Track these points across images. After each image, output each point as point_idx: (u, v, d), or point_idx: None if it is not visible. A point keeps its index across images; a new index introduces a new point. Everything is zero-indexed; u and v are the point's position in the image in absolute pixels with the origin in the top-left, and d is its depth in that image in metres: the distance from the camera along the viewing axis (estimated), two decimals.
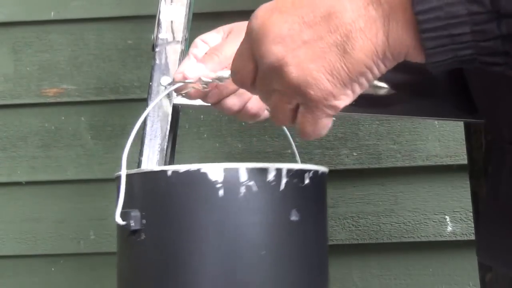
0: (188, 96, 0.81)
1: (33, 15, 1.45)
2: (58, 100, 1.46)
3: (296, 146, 1.47)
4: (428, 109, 1.02)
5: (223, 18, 1.41)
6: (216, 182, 0.67)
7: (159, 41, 0.96)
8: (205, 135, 1.46)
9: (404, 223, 1.47)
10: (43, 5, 1.45)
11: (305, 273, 0.71)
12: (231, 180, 0.67)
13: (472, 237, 1.40)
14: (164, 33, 0.97)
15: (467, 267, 1.45)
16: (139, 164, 0.92)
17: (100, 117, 1.47)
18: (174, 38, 0.96)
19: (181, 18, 0.96)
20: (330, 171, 1.46)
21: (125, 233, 0.72)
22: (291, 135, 0.93)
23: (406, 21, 0.61)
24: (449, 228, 1.46)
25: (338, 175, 1.46)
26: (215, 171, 0.67)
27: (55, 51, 1.46)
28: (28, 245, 1.49)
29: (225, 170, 0.67)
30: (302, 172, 0.70)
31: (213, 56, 0.81)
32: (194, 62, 0.82)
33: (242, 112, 0.81)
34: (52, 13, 1.45)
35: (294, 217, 0.70)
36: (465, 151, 1.15)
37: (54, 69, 1.46)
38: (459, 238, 1.45)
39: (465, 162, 1.18)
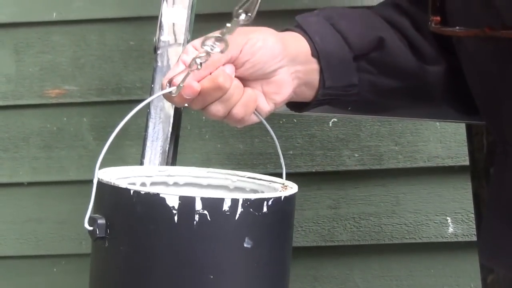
0: (173, 103, 0.81)
1: (35, 16, 1.45)
2: (60, 101, 1.47)
3: (298, 147, 1.48)
4: (429, 111, 1.02)
5: (226, 19, 1.41)
6: (172, 208, 0.71)
7: (161, 43, 0.97)
8: (207, 136, 1.46)
9: (405, 224, 1.47)
10: (45, 6, 1.45)
11: None
12: (186, 208, 0.71)
13: (474, 238, 1.40)
14: (165, 36, 0.97)
15: (468, 269, 1.45)
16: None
17: (102, 118, 1.47)
18: (175, 40, 0.97)
19: (182, 21, 0.97)
20: (332, 172, 1.47)
21: (92, 237, 0.75)
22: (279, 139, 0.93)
23: None
24: (451, 229, 1.46)
25: (340, 176, 1.46)
26: (172, 197, 0.71)
27: (57, 52, 1.46)
28: (29, 246, 1.50)
29: (181, 198, 0.71)
30: (259, 201, 0.73)
31: None
32: (183, 68, 0.82)
33: (227, 117, 0.82)
34: (54, 14, 1.45)
35: (247, 244, 0.73)
36: (466, 152, 1.15)
37: (56, 70, 1.46)
38: (460, 239, 1.45)
39: (467, 163, 1.19)
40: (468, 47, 0.92)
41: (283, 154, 1.45)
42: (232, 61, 0.81)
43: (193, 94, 0.79)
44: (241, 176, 0.86)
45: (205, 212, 0.71)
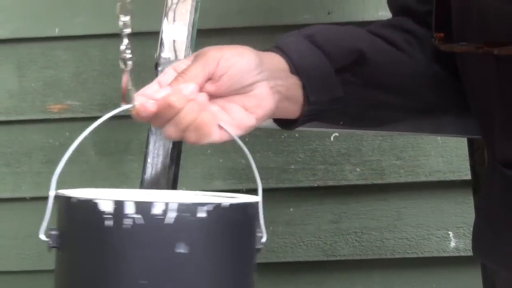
0: (136, 120, 0.81)
1: (37, 31, 1.46)
2: (63, 116, 1.47)
3: (299, 162, 1.48)
4: (431, 126, 1.03)
5: (227, 34, 1.42)
6: (104, 213, 0.71)
7: (162, 60, 0.97)
8: (209, 151, 1.46)
9: (407, 238, 1.47)
10: (48, 21, 1.45)
11: None
12: (119, 212, 0.71)
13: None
14: (166, 52, 0.98)
15: (470, 283, 1.45)
16: (141, 183, 0.92)
17: (104, 133, 1.47)
18: (176, 57, 0.97)
19: (183, 37, 0.97)
20: (334, 187, 1.47)
21: (48, 248, 0.78)
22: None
23: None
24: (452, 244, 1.46)
25: (341, 190, 1.46)
26: (104, 202, 0.71)
27: (60, 67, 1.47)
28: (31, 261, 1.50)
29: (114, 202, 0.71)
30: (195, 206, 0.72)
31: (178, 79, 0.81)
32: (156, 87, 0.81)
33: (183, 139, 0.81)
34: (57, 30, 1.45)
35: (181, 249, 0.71)
36: (468, 166, 1.16)
37: (58, 85, 1.47)
38: (462, 253, 1.45)
39: (468, 177, 1.19)
40: (467, 64, 0.92)
41: (285, 169, 1.46)
42: (210, 76, 0.80)
43: (147, 113, 0.79)
44: (214, 196, 0.85)
45: (139, 216, 0.70)
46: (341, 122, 0.95)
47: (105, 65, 1.46)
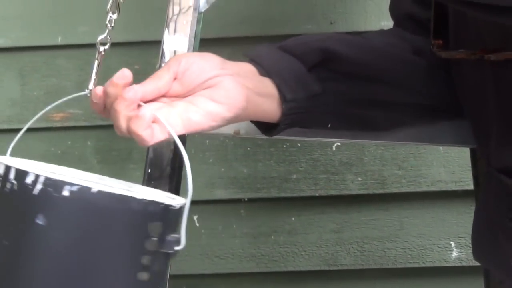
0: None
1: (40, 40, 1.46)
2: (65, 124, 1.47)
3: (301, 171, 1.48)
4: (432, 135, 1.03)
5: (229, 43, 1.42)
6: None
7: None
8: (210, 160, 1.46)
9: (409, 248, 1.46)
10: (50, 30, 1.46)
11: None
12: (5, 176, 0.76)
13: (478, 263, 1.40)
14: None
15: None
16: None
17: (106, 142, 1.47)
18: None
19: (184, 48, 0.97)
20: (335, 196, 1.47)
21: None
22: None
23: None
24: (454, 254, 1.45)
25: (343, 200, 1.46)
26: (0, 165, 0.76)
27: (62, 76, 1.47)
28: None
29: (5, 167, 0.76)
30: (61, 184, 0.73)
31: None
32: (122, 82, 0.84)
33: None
34: (59, 38, 1.46)
35: (39, 221, 0.74)
36: (470, 176, 1.16)
37: (61, 93, 1.47)
38: (464, 263, 1.45)
39: (470, 187, 1.19)
40: (463, 70, 0.93)
41: (286, 178, 1.46)
42: (175, 76, 0.83)
43: (96, 99, 0.83)
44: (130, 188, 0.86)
45: (15, 182, 0.74)
46: (329, 125, 0.94)
47: (107, 73, 1.46)
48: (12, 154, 1.48)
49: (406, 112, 0.98)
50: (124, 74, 0.82)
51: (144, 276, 0.76)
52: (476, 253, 1.00)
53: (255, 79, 0.88)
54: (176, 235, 0.76)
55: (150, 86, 0.82)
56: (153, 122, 0.79)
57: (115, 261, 0.75)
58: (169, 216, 0.76)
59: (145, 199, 0.74)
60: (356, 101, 0.93)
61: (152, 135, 0.79)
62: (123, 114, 0.79)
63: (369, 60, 0.94)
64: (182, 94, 0.83)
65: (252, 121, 0.92)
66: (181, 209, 0.76)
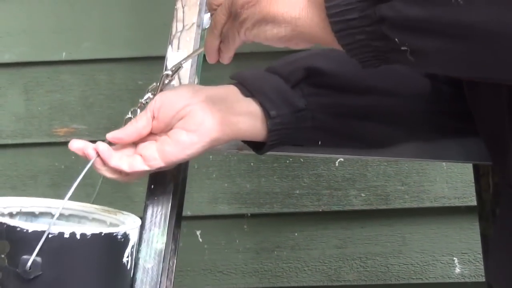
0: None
1: (44, 55, 1.47)
2: (69, 139, 1.46)
3: (304, 187, 1.48)
4: (436, 151, 1.02)
5: (233, 59, 1.42)
6: None
7: (166, 87, 0.97)
8: (214, 175, 1.47)
9: (412, 264, 1.46)
10: (55, 46, 1.46)
11: None
12: None
13: (481, 279, 1.40)
14: None
15: None
16: (145, 207, 0.93)
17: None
18: (180, 84, 0.98)
19: (187, 65, 0.98)
20: (338, 212, 1.47)
21: None
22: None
23: (320, 5, 0.74)
24: (457, 270, 1.45)
25: (346, 216, 1.46)
26: None
27: (66, 91, 1.47)
28: None
29: None
30: None
31: (129, 123, 0.91)
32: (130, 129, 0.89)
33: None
34: (64, 54, 1.46)
35: None
36: (473, 192, 1.15)
37: (65, 109, 1.48)
38: (467, 279, 1.45)
39: (473, 203, 1.18)
40: (478, 87, 0.91)
41: (289, 194, 1.46)
42: (153, 115, 0.88)
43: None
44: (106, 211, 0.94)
45: None
46: (319, 142, 0.94)
47: (111, 89, 1.47)
48: (17, 168, 1.49)
49: (399, 124, 0.97)
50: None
51: None
52: (494, 281, 0.96)
53: (234, 100, 0.90)
54: (27, 257, 0.79)
55: (129, 128, 0.89)
56: (138, 154, 0.88)
57: None
58: (17, 236, 0.79)
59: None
60: (343, 114, 0.93)
61: (132, 165, 0.88)
62: (103, 172, 0.91)
63: (354, 72, 0.93)
64: (164, 130, 0.88)
65: (243, 140, 0.93)
66: (35, 233, 0.79)
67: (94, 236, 0.82)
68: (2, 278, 0.80)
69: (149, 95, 0.94)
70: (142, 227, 0.90)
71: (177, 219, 0.93)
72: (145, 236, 0.90)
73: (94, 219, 0.94)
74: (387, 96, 0.95)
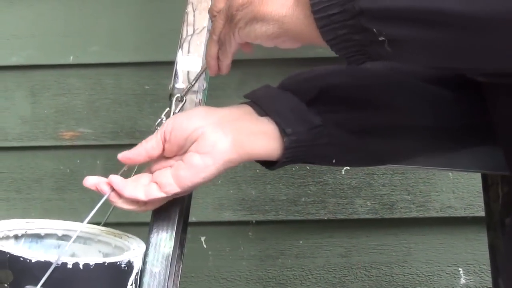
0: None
1: (51, 59, 1.47)
2: (74, 143, 1.47)
3: (310, 194, 1.48)
4: (448, 161, 1.02)
5: (241, 66, 1.42)
6: None
7: (176, 91, 0.97)
8: (219, 182, 1.46)
9: (417, 274, 1.46)
10: (62, 49, 1.46)
11: None
12: None
13: None
14: (180, 83, 0.98)
15: None
16: (152, 213, 0.92)
17: (115, 161, 1.45)
18: (191, 86, 0.97)
19: (197, 69, 0.98)
20: (344, 220, 1.47)
21: None
22: None
23: (305, 3, 0.76)
24: (463, 281, 1.45)
25: (352, 224, 1.46)
26: None
27: (73, 94, 1.47)
28: None
29: None
30: None
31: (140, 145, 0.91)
32: (140, 151, 0.89)
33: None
34: (71, 58, 1.46)
35: None
36: (479, 203, 1.15)
37: (71, 112, 1.47)
38: None
39: (479, 214, 1.18)
40: (498, 95, 0.90)
41: (295, 201, 1.46)
42: (164, 138, 0.88)
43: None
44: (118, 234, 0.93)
45: None
46: (334, 160, 0.92)
47: (118, 93, 1.47)
48: (22, 171, 1.49)
49: (415, 140, 0.96)
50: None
51: None
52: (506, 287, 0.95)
53: (247, 119, 0.89)
54: (30, 286, 0.79)
55: (138, 148, 0.89)
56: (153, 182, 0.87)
57: None
58: (20, 266, 0.79)
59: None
60: (359, 131, 0.92)
61: (148, 193, 0.87)
62: (120, 205, 0.90)
63: (369, 87, 0.93)
64: (178, 153, 0.88)
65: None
66: (39, 263, 0.79)
67: (98, 266, 0.81)
68: None
69: (163, 118, 0.93)
70: (149, 230, 0.90)
71: (184, 224, 0.93)
72: (152, 240, 0.90)
73: (99, 241, 0.93)
74: (402, 112, 0.94)
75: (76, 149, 1.48)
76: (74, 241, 0.91)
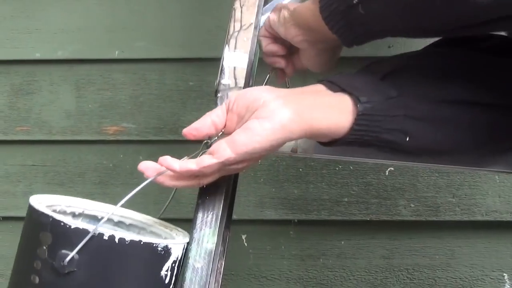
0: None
1: (97, 53, 1.48)
2: (118, 138, 1.48)
3: (353, 195, 1.47)
4: (497, 161, 1.00)
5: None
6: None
7: (221, 87, 0.97)
8: (261, 180, 1.46)
9: (460, 278, 1.44)
10: (108, 44, 1.47)
11: None
12: None
13: None
14: (226, 79, 0.98)
15: None
16: (196, 207, 0.92)
17: (158, 157, 1.47)
18: (236, 84, 0.97)
19: (243, 65, 0.97)
20: (387, 222, 1.45)
21: None
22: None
23: None
24: (507, 286, 1.43)
25: (395, 226, 1.44)
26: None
27: (117, 89, 1.48)
28: None
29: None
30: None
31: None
32: (206, 121, 0.89)
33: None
34: (116, 52, 1.47)
35: None
36: None
37: (115, 107, 1.48)
38: None
39: None
40: None
41: (338, 201, 1.45)
42: (227, 107, 0.89)
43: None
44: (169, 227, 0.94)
45: None
46: (408, 137, 0.87)
47: (162, 89, 1.47)
48: (66, 165, 1.50)
49: (477, 134, 0.92)
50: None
51: (35, 279, 0.83)
52: None
53: (315, 94, 0.87)
54: (66, 251, 0.81)
55: (205, 119, 0.89)
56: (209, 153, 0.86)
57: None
58: (59, 230, 0.82)
59: (39, 211, 0.83)
60: (441, 101, 0.88)
61: (199, 162, 0.86)
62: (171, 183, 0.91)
63: (445, 64, 0.92)
64: (239, 124, 0.87)
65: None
66: (77, 229, 0.81)
67: (133, 242, 0.82)
68: (40, 269, 0.82)
69: (208, 142, 0.91)
70: (192, 226, 0.90)
71: (227, 221, 0.93)
72: (195, 235, 0.89)
73: (151, 232, 0.95)
74: (485, 89, 0.91)
75: (119, 144, 1.48)
76: (129, 229, 0.93)
